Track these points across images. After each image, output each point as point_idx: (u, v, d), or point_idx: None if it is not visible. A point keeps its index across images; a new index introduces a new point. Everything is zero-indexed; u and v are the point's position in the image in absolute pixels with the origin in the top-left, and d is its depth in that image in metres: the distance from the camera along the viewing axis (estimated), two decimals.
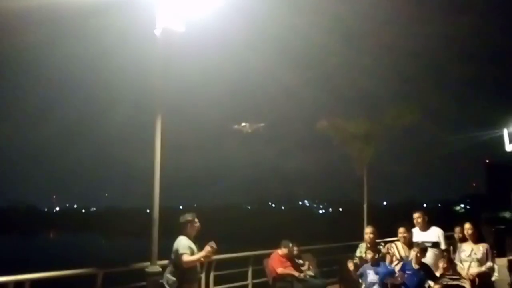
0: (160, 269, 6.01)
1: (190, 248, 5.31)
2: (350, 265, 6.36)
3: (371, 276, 5.86)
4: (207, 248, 5.21)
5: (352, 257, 6.59)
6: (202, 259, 5.36)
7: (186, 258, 5.22)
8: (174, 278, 5.25)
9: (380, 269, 5.82)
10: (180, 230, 5.42)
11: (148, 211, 6.25)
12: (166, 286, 5.32)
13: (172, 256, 5.38)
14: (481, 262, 5.53)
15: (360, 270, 6.07)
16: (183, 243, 5.30)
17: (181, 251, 5.25)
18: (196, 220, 5.44)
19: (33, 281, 5.67)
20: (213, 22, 6.34)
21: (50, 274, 6.04)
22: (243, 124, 7.07)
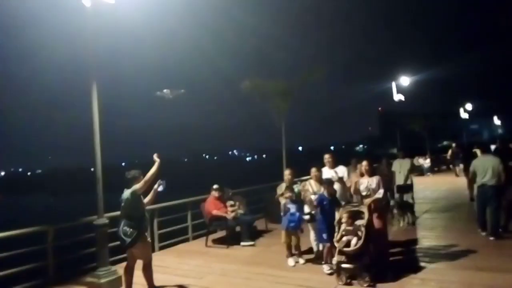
0: (107, 221, 5.86)
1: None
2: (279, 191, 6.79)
3: (292, 209, 6.36)
4: (155, 157, 5.14)
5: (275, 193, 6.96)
6: (157, 169, 5.09)
7: (143, 180, 5.00)
8: (131, 229, 4.86)
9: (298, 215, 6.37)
10: (127, 185, 5.07)
11: (92, 169, 5.93)
12: (125, 238, 4.86)
13: (124, 209, 5.01)
14: (375, 191, 6.00)
15: (283, 205, 6.48)
16: (129, 191, 5.02)
17: (137, 187, 4.99)
18: (142, 176, 5.07)
19: None
20: None
21: (1, 234, 5.62)
22: (165, 90, 6.81)
